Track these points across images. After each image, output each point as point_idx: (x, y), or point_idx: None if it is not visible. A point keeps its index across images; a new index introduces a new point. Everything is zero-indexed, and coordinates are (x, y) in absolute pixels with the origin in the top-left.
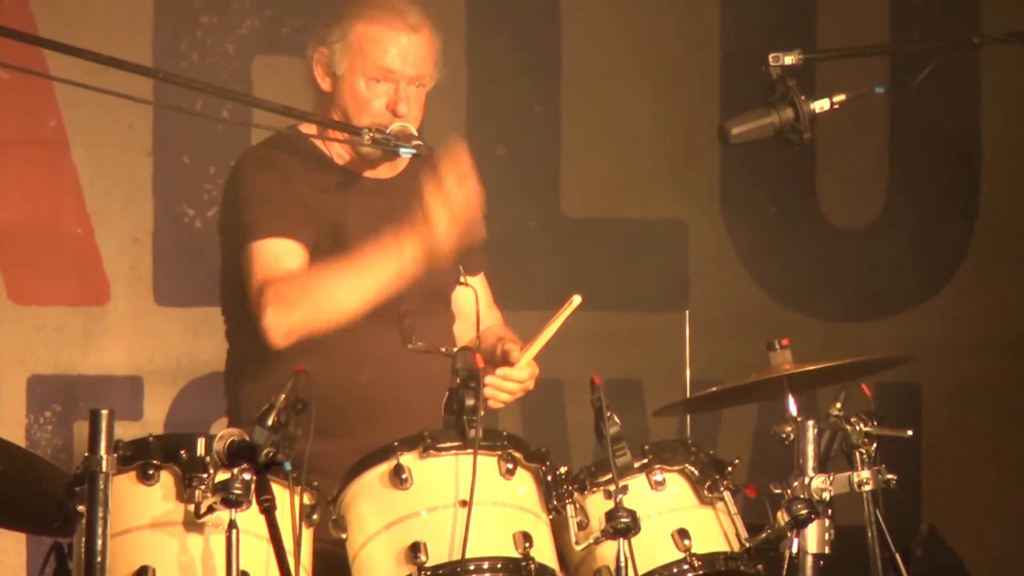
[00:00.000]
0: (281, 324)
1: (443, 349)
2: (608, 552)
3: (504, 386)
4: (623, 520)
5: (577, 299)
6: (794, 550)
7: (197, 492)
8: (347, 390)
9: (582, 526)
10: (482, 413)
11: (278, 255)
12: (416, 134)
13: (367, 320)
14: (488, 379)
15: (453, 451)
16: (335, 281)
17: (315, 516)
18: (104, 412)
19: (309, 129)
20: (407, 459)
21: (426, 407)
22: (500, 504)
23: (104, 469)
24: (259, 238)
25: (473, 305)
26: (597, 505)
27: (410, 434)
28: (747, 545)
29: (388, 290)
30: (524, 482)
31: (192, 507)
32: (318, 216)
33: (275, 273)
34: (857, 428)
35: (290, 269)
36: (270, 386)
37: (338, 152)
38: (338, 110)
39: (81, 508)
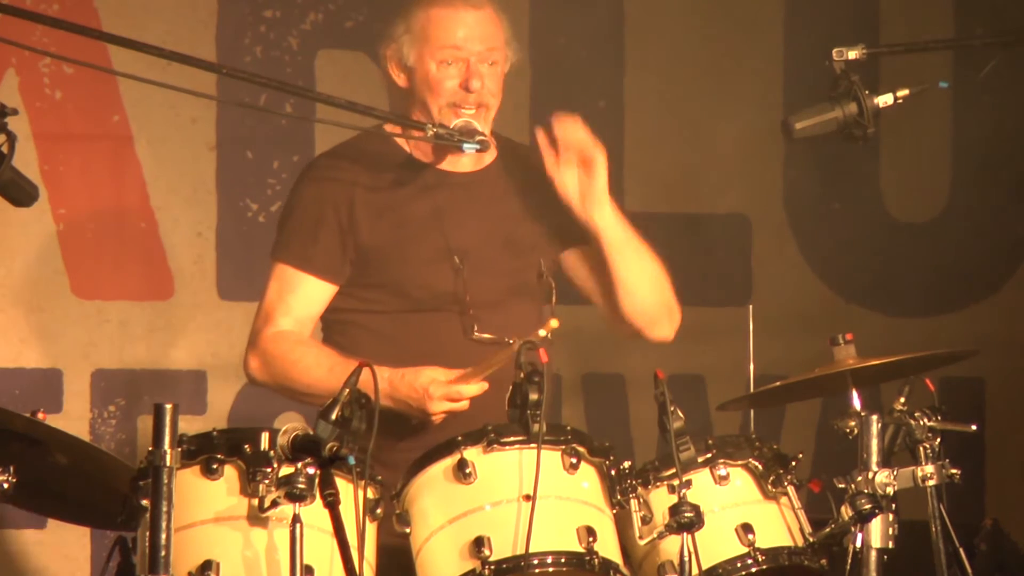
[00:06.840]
0: (255, 375)
1: (510, 341)
2: (672, 547)
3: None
4: (687, 515)
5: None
6: (858, 545)
7: (261, 486)
8: None
9: (646, 520)
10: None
11: (291, 289)
12: (480, 130)
13: (429, 312)
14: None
15: (517, 445)
16: (305, 369)
17: (379, 510)
18: (168, 406)
19: (393, 129)
20: (471, 453)
21: (489, 400)
22: (564, 498)
23: (168, 463)
24: (284, 261)
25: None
26: (661, 500)
27: (474, 428)
28: (811, 540)
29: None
30: (588, 476)
31: (256, 501)
32: (378, 218)
33: (278, 311)
34: (921, 423)
35: (295, 313)
36: None
37: (415, 144)
38: (417, 103)
39: (145, 502)
